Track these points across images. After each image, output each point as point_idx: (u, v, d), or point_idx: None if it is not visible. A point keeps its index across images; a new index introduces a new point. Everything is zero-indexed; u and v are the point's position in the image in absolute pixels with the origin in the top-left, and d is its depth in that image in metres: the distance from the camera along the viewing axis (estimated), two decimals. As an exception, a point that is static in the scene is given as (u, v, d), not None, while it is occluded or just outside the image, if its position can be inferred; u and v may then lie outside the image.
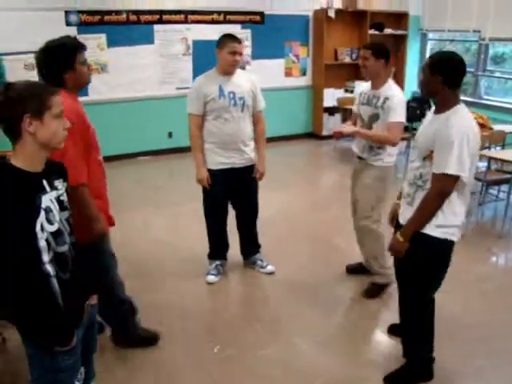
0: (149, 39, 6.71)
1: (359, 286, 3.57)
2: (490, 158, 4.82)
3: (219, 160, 3.43)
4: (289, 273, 3.80)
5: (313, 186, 6.35)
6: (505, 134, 5.33)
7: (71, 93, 2.34)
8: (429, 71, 2.25)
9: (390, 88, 3.20)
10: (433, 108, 2.40)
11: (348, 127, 3.36)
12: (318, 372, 2.72)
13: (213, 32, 6.22)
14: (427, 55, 8.25)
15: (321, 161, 7.51)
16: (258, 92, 3.47)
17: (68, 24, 6.15)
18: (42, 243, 1.59)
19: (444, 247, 2.37)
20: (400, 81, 8.23)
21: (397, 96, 3.15)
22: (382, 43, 3.31)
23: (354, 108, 3.48)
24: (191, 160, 3.51)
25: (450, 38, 8.21)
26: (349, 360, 2.84)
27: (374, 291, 3.45)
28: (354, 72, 7.78)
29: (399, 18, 8.12)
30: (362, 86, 3.42)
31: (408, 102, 6.80)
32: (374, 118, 3.23)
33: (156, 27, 6.72)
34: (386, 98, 3.14)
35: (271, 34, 7.44)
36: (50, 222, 1.62)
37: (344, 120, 7.11)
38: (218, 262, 3.74)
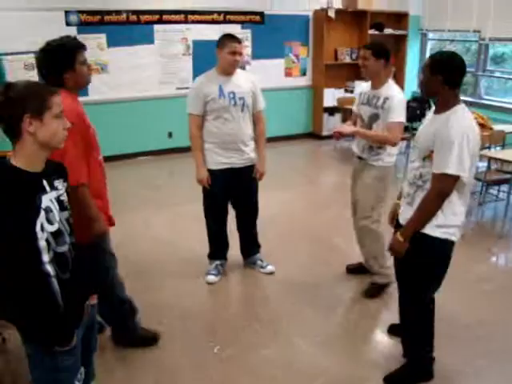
0: (149, 39, 6.71)
1: (359, 285, 3.57)
2: (490, 158, 4.82)
3: (219, 160, 3.43)
4: (289, 273, 3.80)
5: (313, 185, 6.35)
6: (505, 134, 5.33)
7: (71, 93, 2.34)
8: (429, 71, 2.25)
9: (390, 88, 3.20)
10: (433, 108, 2.40)
11: (348, 127, 3.36)
12: (318, 372, 2.72)
13: (213, 32, 6.23)
14: (427, 55, 8.25)
15: (321, 161, 7.51)
16: (258, 92, 3.47)
17: (68, 24, 6.14)
18: (42, 243, 1.59)
19: (444, 247, 2.37)
20: (400, 81, 8.23)
21: (397, 96, 3.15)
22: (382, 43, 3.30)
23: (354, 108, 3.48)
24: (191, 160, 3.51)
25: (450, 38, 8.21)
26: (349, 360, 2.84)
27: (374, 291, 3.45)
28: (354, 72, 7.76)
29: (399, 18, 8.12)
30: (362, 86, 3.42)
31: (408, 102, 6.80)
32: (374, 117, 3.23)
33: (156, 27, 6.72)
34: (386, 98, 3.14)
35: (271, 34, 7.43)
36: (50, 222, 1.62)
37: (344, 120, 7.11)
38: (218, 262, 3.74)
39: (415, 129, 6.28)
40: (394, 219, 2.69)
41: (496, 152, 5.23)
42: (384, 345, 3.00)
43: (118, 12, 6.44)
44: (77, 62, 2.33)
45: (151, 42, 6.74)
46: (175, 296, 3.50)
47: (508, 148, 5.36)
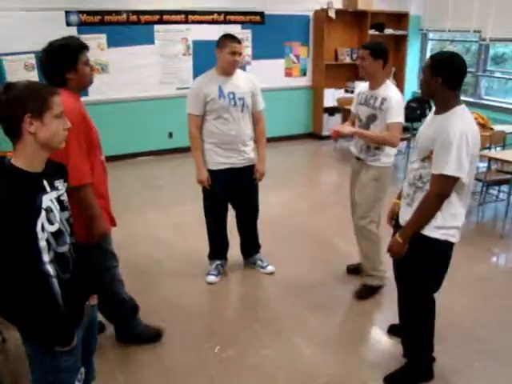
0: (149, 39, 6.71)
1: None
2: (490, 159, 4.82)
3: (219, 160, 3.43)
4: (289, 273, 3.80)
5: (313, 186, 6.36)
6: (505, 135, 5.33)
7: (74, 93, 2.35)
8: (429, 72, 2.24)
9: (388, 88, 3.18)
10: (433, 109, 2.40)
11: (347, 127, 3.35)
12: (319, 372, 2.72)
13: (213, 32, 6.20)
14: (427, 55, 8.24)
15: (321, 161, 7.51)
16: (258, 92, 3.47)
17: (68, 24, 6.15)
18: (43, 243, 1.59)
19: (443, 248, 2.36)
20: (400, 81, 8.24)
21: (394, 97, 3.13)
22: (381, 43, 3.28)
23: (352, 108, 3.47)
24: (191, 160, 3.51)
25: (451, 38, 8.21)
26: (349, 360, 2.84)
27: (365, 293, 3.45)
28: (355, 72, 7.74)
29: (399, 18, 8.12)
30: (361, 87, 3.42)
31: (408, 102, 6.83)
32: (372, 118, 3.22)
33: (156, 27, 6.72)
34: (384, 99, 3.13)
35: (271, 34, 7.43)
36: (50, 222, 1.62)
37: (344, 120, 7.11)
38: (218, 262, 3.74)
39: (415, 129, 6.27)
40: (392, 219, 2.68)
41: (496, 152, 5.23)
42: (384, 345, 3.00)
43: (119, 12, 6.44)
44: (79, 63, 2.34)
45: (151, 42, 6.74)
46: (176, 296, 3.50)
47: (508, 148, 5.35)
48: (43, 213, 1.59)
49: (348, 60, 7.97)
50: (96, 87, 6.03)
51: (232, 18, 7.17)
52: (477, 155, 2.32)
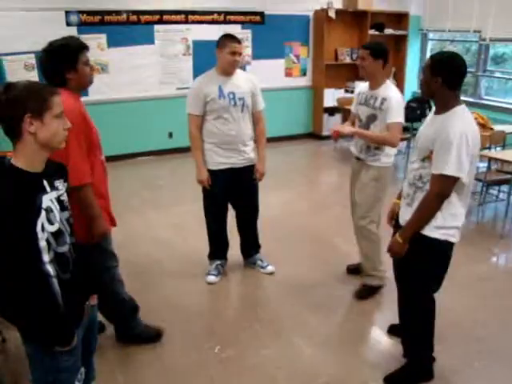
0: (149, 39, 6.71)
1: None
2: (490, 159, 4.82)
3: (219, 160, 3.43)
4: (289, 273, 3.80)
5: (313, 186, 6.36)
6: (505, 135, 5.33)
7: (74, 93, 2.35)
8: (429, 72, 2.24)
9: (388, 88, 3.18)
10: (433, 109, 2.40)
11: (347, 127, 3.35)
12: (319, 372, 2.72)
13: (213, 32, 6.20)
14: (427, 55, 8.25)
15: (321, 161, 7.51)
16: (258, 92, 3.47)
17: (68, 24, 6.15)
18: (43, 243, 1.59)
19: (443, 248, 2.36)
20: (400, 81, 8.25)
21: (394, 97, 3.13)
22: (381, 43, 3.28)
23: (352, 108, 3.47)
24: (192, 160, 3.51)
25: (451, 38, 8.21)
26: (349, 360, 2.84)
27: (365, 293, 3.45)
28: (355, 72, 7.74)
29: (399, 18, 8.12)
30: (361, 86, 3.42)
31: (408, 102, 6.82)
32: (372, 118, 3.22)
33: (156, 27, 6.72)
34: (384, 99, 3.13)
35: (271, 34, 7.43)
36: (50, 222, 1.62)
37: (344, 120, 7.11)
38: (218, 262, 3.74)
39: (415, 129, 6.27)
40: (392, 219, 2.68)
41: (496, 152, 5.23)
42: (384, 345, 3.00)
43: (119, 12, 6.44)
44: (80, 63, 2.34)
45: (151, 42, 6.74)
46: (176, 296, 3.50)
47: (508, 148, 5.35)
48: (43, 213, 1.59)
49: (348, 60, 7.97)
50: (96, 87, 6.03)
51: (232, 17, 7.17)
52: (477, 155, 2.31)
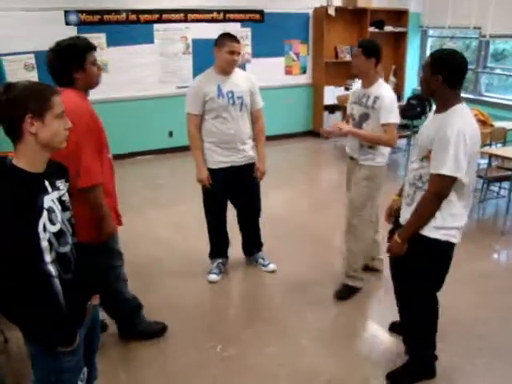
0: (149, 38, 6.70)
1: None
2: (490, 155, 4.81)
3: (219, 159, 3.43)
4: (290, 271, 3.80)
5: (313, 184, 6.35)
6: (506, 131, 5.33)
7: (81, 92, 2.35)
8: (429, 70, 2.23)
9: (381, 87, 3.15)
10: (433, 107, 2.39)
11: (346, 126, 3.29)
12: (321, 370, 2.73)
13: (213, 31, 6.16)
14: (427, 52, 8.23)
15: (321, 159, 7.50)
16: (257, 91, 3.47)
17: (68, 24, 6.15)
18: (45, 243, 1.59)
19: (444, 249, 2.34)
20: (400, 78, 8.24)
21: (387, 95, 3.10)
22: (373, 41, 3.23)
23: (348, 107, 3.46)
24: (192, 159, 3.51)
25: (450, 35, 8.19)
26: (351, 358, 2.85)
27: (345, 293, 3.43)
28: (354, 70, 7.77)
29: (399, 15, 8.10)
30: (357, 84, 3.40)
31: (408, 100, 6.81)
32: (364, 117, 3.20)
33: (156, 26, 6.71)
34: (377, 97, 3.10)
35: (271, 32, 7.42)
36: (52, 222, 1.62)
37: (344, 118, 7.10)
38: (219, 261, 3.74)
39: (416, 126, 6.27)
40: (391, 216, 2.67)
41: (497, 149, 5.23)
42: (386, 343, 3.00)
43: (118, 11, 6.43)
44: (87, 62, 2.34)
45: (151, 41, 6.73)
46: (176, 295, 3.50)
47: (509, 145, 5.35)
48: (45, 213, 1.59)
49: (348, 58, 7.94)
50: (96, 86, 6.05)
51: (231, 16, 7.16)
52: (477, 153, 2.29)
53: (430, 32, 8.45)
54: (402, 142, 6.61)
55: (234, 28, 6.86)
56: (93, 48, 2.39)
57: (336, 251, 4.12)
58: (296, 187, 5.85)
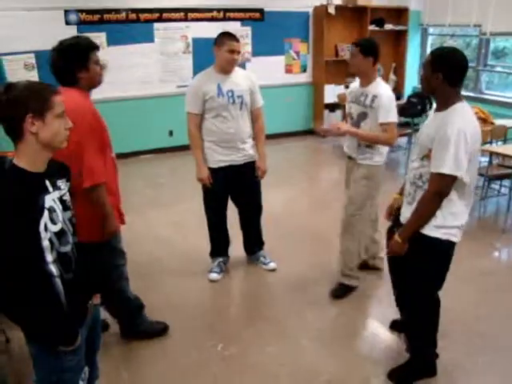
0: (149, 37, 6.70)
1: (362, 283, 3.55)
2: (491, 153, 4.80)
3: (219, 158, 3.43)
4: (291, 270, 3.80)
5: (314, 182, 6.35)
6: (506, 129, 5.31)
7: (84, 92, 2.35)
8: (429, 68, 2.22)
9: (379, 86, 3.14)
10: (434, 105, 2.38)
11: (345, 126, 3.27)
12: (321, 369, 2.73)
13: (213, 29, 6.17)
14: (428, 50, 8.22)
15: (321, 157, 7.50)
16: (256, 89, 3.46)
17: (68, 23, 6.14)
18: (46, 243, 1.59)
19: (444, 248, 2.33)
20: (400, 76, 8.23)
21: (385, 94, 3.09)
22: (372, 40, 3.23)
23: (346, 106, 3.45)
24: (192, 158, 3.51)
25: (451, 33, 8.18)
26: (352, 357, 2.85)
27: (341, 292, 3.43)
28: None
29: (399, 14, 8.09)
30: (354, 83, 3.39)
31: (409, 98, 6.80)
32: (362, 116, 3.19)
33: (156, 25, 6.71)
34: (375, 96, 3.09)
35: (271, 31, 7.41)
36: (53, 221, 1.62)
37: (344, 117, 7.09)
38: (220, 259, 3.74)
39: (416, 124, 6.27)
40: (391, 214, 2.67)
41: (497, 147, 5.22)
42: (386, 341, 3.00)
43: (118, 11, 6.43)
44: (91, 62, 2.35)
45: (151, 40, 6.73)
46: (177, 294, 3.51)
47: (509, 143, 5.34)
48: (46, 213, 1.59)
49: (348, 56, 7.93)
50: (96, 86, 6.04)
51: (231, 15, 7.15)
52: (477, 151, 2.28)
53: (431, 30, 8.43)
54: (403, 141, 6.62)
55: (234, 27, 6.85)
56: (96, 47, 2.40)
57: (336, 250, 4.10)
58: (296, 186, 5.85)
